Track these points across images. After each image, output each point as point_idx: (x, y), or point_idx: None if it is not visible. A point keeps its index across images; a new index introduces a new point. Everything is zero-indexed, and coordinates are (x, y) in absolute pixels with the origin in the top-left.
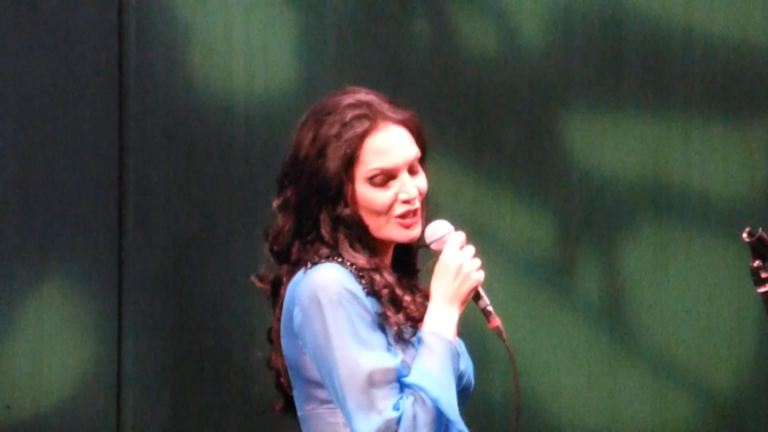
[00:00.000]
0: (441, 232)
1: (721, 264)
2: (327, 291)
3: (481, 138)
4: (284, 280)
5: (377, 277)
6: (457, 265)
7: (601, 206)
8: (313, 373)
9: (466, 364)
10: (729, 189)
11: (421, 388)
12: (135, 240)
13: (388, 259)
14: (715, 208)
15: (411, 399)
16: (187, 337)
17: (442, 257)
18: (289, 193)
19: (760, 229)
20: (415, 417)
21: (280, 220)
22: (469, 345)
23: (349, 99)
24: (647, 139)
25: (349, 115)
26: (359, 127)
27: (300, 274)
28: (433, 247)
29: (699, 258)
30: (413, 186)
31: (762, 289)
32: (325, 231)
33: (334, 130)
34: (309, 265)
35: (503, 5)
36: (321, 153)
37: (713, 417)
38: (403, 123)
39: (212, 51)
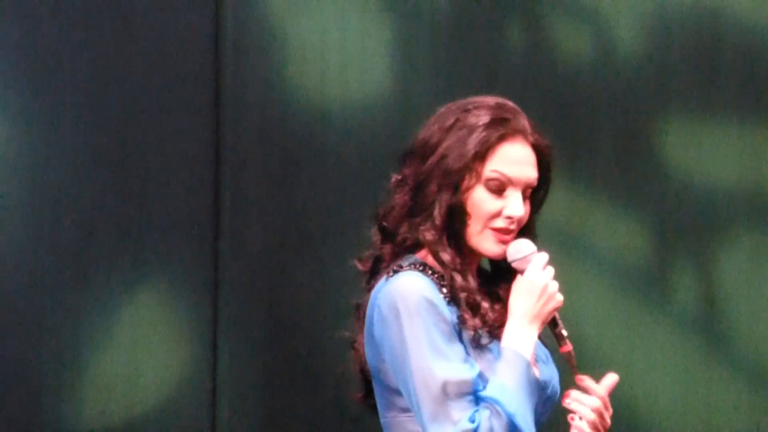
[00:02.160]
0: (525, 251)
1: None
2: (406, 300)
3: (576, 146)
4: (386, 259)
5: (459, 278)
6: (542, 285)
7: (697, 215)
8: (393, 380)
9: (551, 374)
10: None
11: (497, 402)
12: (230, 246)
13: (473, 269)
14: None
15: (487, 412)
16: (281, 343)
17: (526, 275)
18: (410, 172)
19: None
20: (491, 430)
21: (395, 197)
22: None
23: (497, 100)
24: (744, 147)
25: (495, 114)
26: (500, 129)
27: (382, 281)
28: (515, 265)
29: None
30: (522, 207)
31: None
32: (438, 213)
33: (474, 124)
34: (391, 272)
35: (600, 13)
36: (456, 141)
37: None
38: (536, 148)
39: (307, 58)
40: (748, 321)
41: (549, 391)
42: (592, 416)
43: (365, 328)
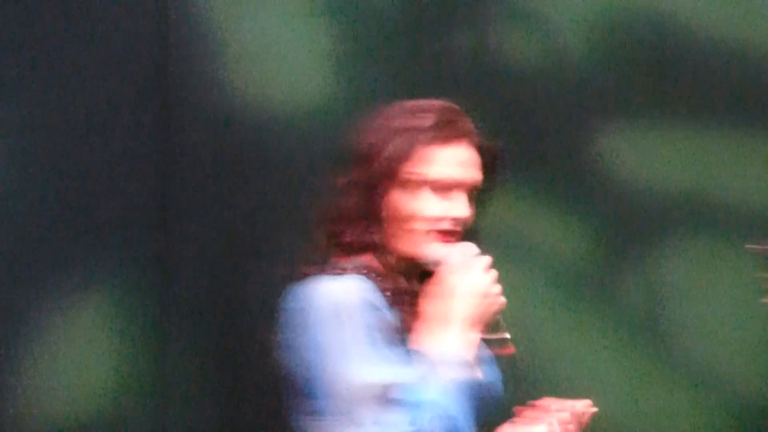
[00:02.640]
0: (468, 254)
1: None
2: (345, 302)
3: (521, 149)
4: (330, 262)
5: (402, 281)
6: (483, 287)
7: (642, 218)
8: (314, 384)
9: (493, 375)
10: None
11: (438, 405)
12: (179, 247)
13: (416, 273)
14: (759, 220)
15: (429, 415)
16: (231, 343)
17: (468, 278)
18: (355, 174)
19: None
20: None
21: (341, 200)
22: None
23: (443, 103)
24: (688, 150)
25: (441, 116)
26: (446, 131)
27: (323, 282)
28: (457, 268)
29: (741, 271)
30: (467, 209)
31: None
32: (384, 216)
33: (422, 124)
34: (333, 274)
35: (545, 19)
36: (404, 141)
37: (755, 429)
38: (481, 150)
39: (252, 60)
40: (692, 324)
41: (491, 391)
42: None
43: (299, 329)
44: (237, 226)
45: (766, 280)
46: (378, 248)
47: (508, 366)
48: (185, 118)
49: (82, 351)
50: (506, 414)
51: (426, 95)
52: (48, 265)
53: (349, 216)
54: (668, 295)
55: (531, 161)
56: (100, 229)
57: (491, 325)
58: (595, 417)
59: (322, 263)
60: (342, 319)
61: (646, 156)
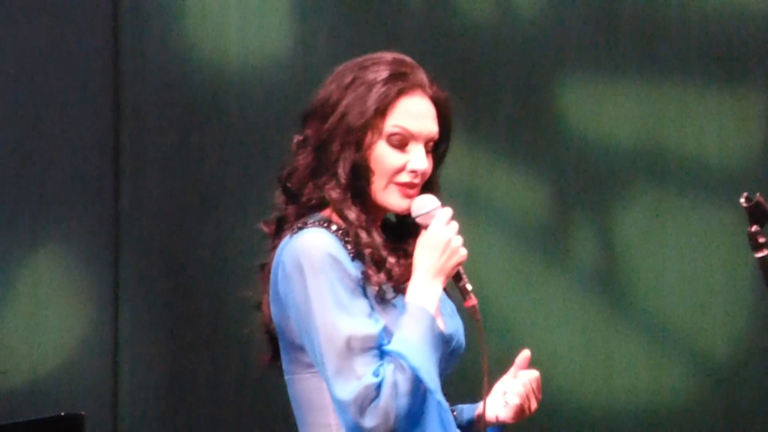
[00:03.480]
0: (428, 206)
1: (717, 229)
2: (309, 256)
3: (477, 105)
4: (290, 220)
5: (363, 235)
6: (445, 239)
7: (596, 173)
8: (297, 337)
9: (456, 327)
10: (725, 155)
11: (401, 356)
12: (130, 205)
13: (378, 226)
14: (711, 173)
15: (392, 366)
16: (182, 302)
17: (429, 231)
18: (311, 132)
19: (757, 195)
20: (395, 384)
21: (298, 158)
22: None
23: (395, 56)
24: (643, 105)
25: (393, 69)
26: (399, 83)
27: (286, 239)
28: (419, 221)
29: (695, 224)
30: (425, 160)
31: (759, 254)
32: (342, 172)
33: (373, 80)
34: (295, 229)
35: None
36: (356, 98)
37: (708, 381)
38: (436, 101)
39: (206, 17)
40: (648, 278)
41: (454, 344)
42: (531, 402)
43: (270, 286)
44: (190, 184)
45: (756, 235)
46: (335, 204)
47: (468, 318)
48: (137, 73)
49: (36, 306)
50: (468, 366)
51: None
52: (0, 222)
53: (305, 174)
54: (625, 248)
55: (488, 117)
56: (53, 186)
57: (454, 276)
58: (550, 372)
59: (281, 220)
60: (324, 271)
61: (601, 109)
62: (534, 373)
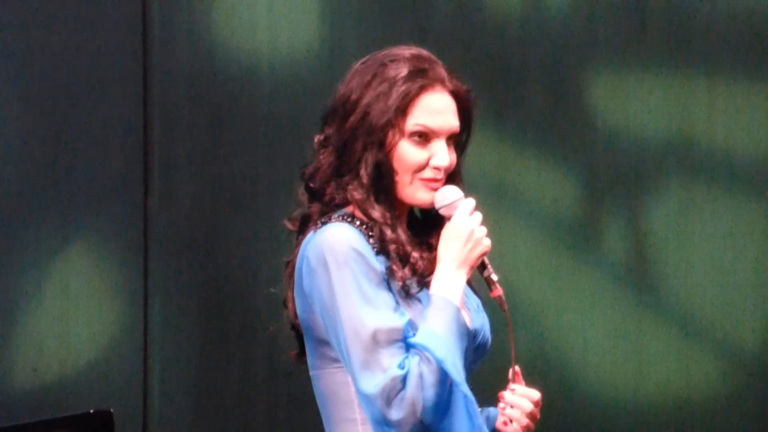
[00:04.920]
0: (451, 197)
1: (746, 222)
2: (334, 250)
3: (506, 99)
4: (314, 218)
5: (388, 231)
6: (468, 230)
7: (626, 166)
8: (323, 332)
9: (482, 322)
10: (754, 147)
11: (426, 349)
12: (160, 202)
13: (403, 221)
14: (740, 166)
15: (417, 358)
16: (212, 299)
17: (452, 222)
18: (332, 131)
19: None
20: (421, 376)
21: (320, 157)
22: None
23: (412, 52)
24: (672, 98)
25: (411, 67)
26: (418, 81)
27: (310, 234)
28: (442, 212)
29: (724, 216)
30: (447, 156)
31: None
32: (364, 172)
33: (392, 78)
34: (319, 224)
35: None
36: (376, 97)
37: (738, 375)
38: (456, 95)
39: (235, 13)
40: (677, 271)
41: (480, 339)
42: (525, 421)
43: (295, 282)
44: (219, 181)
45: None
46: (359, 203)
47: (494, 313)
48: (166, 71)
49: (66, 303)
50: (495, 363)
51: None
52: (29, 220)
53: (328, 173)
54: (655, 242)
55: (517, 111)
56: (83, 184)
57: (478, 267)
58: (580, 366)
59: (306, 217)
60: (349, 265)
61: (630, 103)
62: (534, 395)
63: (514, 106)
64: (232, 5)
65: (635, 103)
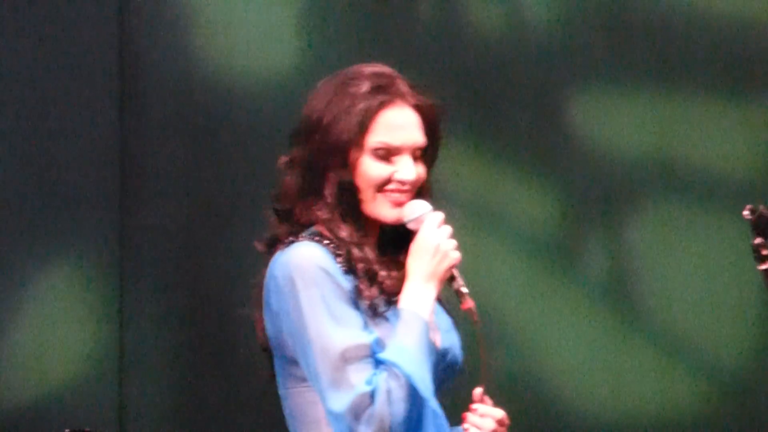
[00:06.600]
0: (419, 211)
1: (725, 241)
2: (301, 270)
3: (486, 117)
4: (282, 238)
5: (356, 251)
6: (435, 243)
7: (605, 184)
8: (291, 351)
9: (452, 341)
10: (732, 166)
11: (395, 364)
12: (137, 222)
13: (373, 239)
14: (719, 184)
15: (385, 374)
16: (190, 320)
17: (419, 235)
18: (297, 152)
19: (761, 206)
20: (389, 392)
21: (286, 178)
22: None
23: (373, 69)
24: (653, 116)
25: (371, 84)
26: (378, 98)
27: (278, 253)
28: (410, 226)
29: (703, 235)
30: (413, 170)
31: (763, 267)
32: (328, 193)
33: (352, 96)
34: (287, 243)
35: None
36: (336, 116)
37: (717, 395)
38: (419, 109)
39: (213, 31)
40: (657, 290)
41: (449, 358)
42: None
43: (264, 301)
44: (198, 200)
45: (759, 248)
46: (325, 224)
47: (466, 334)
48: (146, 87)
49: (41, 323)
50: (467, 381)
51: (392, 65)
52: (6, 238)
53: (293, 194)
54: (634, 260)
55: (497, 127)
56: (58, 203)
57: (448, 280)
58: (558, 385)
59: (274, 239)
60: (317, 283)
61: (612, 121)
62: (498, 413)
63: (496, 124)
64: (209, 23)
65: (615, 122)
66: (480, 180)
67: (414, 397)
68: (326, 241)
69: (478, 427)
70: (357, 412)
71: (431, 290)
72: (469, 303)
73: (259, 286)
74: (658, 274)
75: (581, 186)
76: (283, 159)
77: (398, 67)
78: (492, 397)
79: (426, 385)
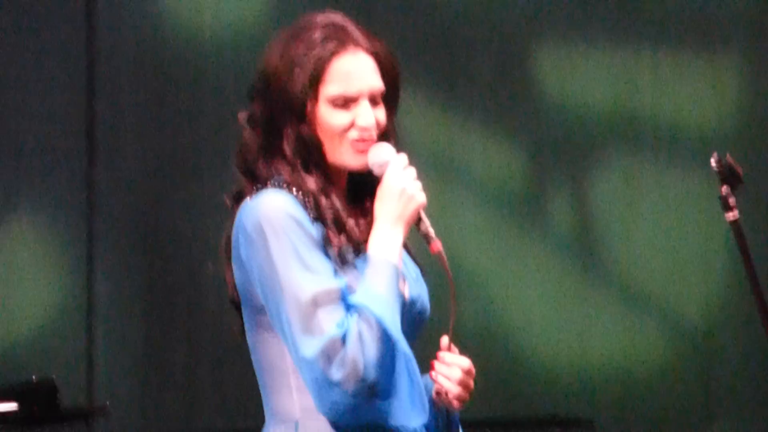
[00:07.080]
0: (383, 156)
1: (691, 193)
2: (270, 218)
3: (452, 72)
4: (248, 194)
5: (323, 199)
6: (400, 186)
7: (571, 138)
8: (262, 300)
9: (420, 291)
10: (698, 118)
11: (365, 307)
12: (104, 172)
13: (340, 187)
14: (685, 138)
15: (355, 317)
16: (157, 272)
17: (384, 179)
18: (256, 108)
19: (727, 156)
20: (360, 334)
21: (246, 135)
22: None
23: (323, 19)
24: (618, 70)
25: (321, 34)
26: (328, 47)
27: (246, 200)
28: (376, 171)
29: (669, 187)
30: (372, 115)
31: (729, 216)
32: (287, 147)
33: (303, 47)
34: (254, 191)
35: None
36: (289, 69)
37: (683, 345)
38: (373, 54)
39: None
40: (622, 242)
41: (418, 306)
42: (456, 390)
43: (232, 251)
44: (165, 155)
45: (726, 197)
46: (290, 177)
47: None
48: (113, 42)
49: (9, 273)
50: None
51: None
52: None
53: (254, 151)
54: (599, 212)
55: (463, 85)
56: (27, 154)
57: (415, 223)
58: (524, 338)
59: (240, 194)
60: (285, 231)
61: (576, 76)
62: (464, 362)
63: (461, 79)
64: None
65: (581, 76)
66: (444, 132)
67: (386, 339)
68: (294, 189)
69: (445, 376)
70: (329, 355)
71: (399, 233)
72: (438, 245)
73: (227, 236)
74: (624, 227)
75: (546, 138)
76: (243, 115)
77: (364, 21)
78: (458, 346)
79: (397, 328)
